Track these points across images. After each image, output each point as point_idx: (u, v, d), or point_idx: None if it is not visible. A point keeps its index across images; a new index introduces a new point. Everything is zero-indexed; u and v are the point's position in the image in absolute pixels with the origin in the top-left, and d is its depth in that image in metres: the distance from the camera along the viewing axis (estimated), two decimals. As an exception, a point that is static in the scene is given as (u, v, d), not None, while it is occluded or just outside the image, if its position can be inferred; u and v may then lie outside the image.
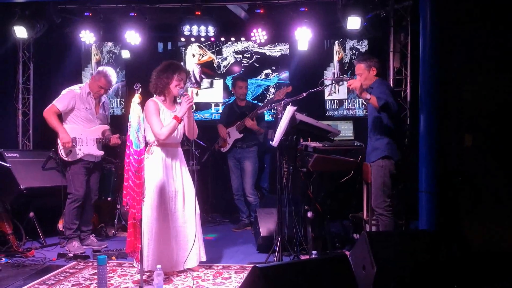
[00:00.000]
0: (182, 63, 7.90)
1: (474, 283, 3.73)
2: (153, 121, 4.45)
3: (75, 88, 5.51)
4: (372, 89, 4.69)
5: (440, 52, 5.07)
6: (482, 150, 5.12)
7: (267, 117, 7.57)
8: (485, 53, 5.11)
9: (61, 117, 5.43)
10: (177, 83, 4.54)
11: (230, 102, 7.04)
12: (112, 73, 5.56)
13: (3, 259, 4.99)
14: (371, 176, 4.72)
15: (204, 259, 4.68)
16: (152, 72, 4.66)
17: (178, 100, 4.68)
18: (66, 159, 5.42)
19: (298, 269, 3.35)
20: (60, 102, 5.39)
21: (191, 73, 7.87)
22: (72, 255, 5.08)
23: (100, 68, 5.59)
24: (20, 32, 6.33)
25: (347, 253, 4.56)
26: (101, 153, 5.56)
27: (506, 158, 4.96)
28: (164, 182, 4.46)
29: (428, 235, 4.13)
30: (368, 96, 4.45)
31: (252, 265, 3.26)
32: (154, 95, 4.65)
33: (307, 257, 4.80)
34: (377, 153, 4.68)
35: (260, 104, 7.07)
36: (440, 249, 3.81)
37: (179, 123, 4.48)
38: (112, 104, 7.96)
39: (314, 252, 4.70)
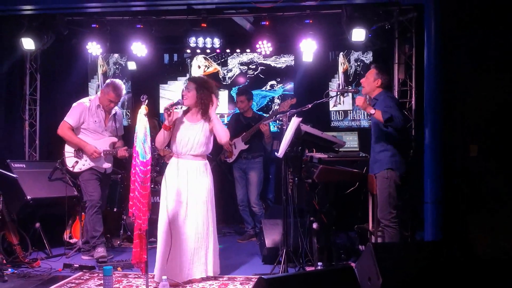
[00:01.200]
0: (187, 75, 7.96)
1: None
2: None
3: (85, 101, 5.55)
4: (376, 101, 4.68)
5: (445, 63, 5.09)
6: (487, 160, 5.12)
7: (272, 128, 7.58)
8: (490, 64, 5.12)
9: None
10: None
11: (236, 112, 7.06)
12: (120, 86, 5.59)
13: (9, 269, 4.99)
14: (376, 188, 4.72)
15: (210, 273, 4.67)
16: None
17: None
18: (71, 169, 5.47)
19: (304, 281, 3.35)
20: (71, 118, 5.44)
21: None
22: (78, 265, 5.09)
23: (108, 81, 5.61)
24: (28, 43, 6.38)
25: (353, 264, 4.55)
26: (108, 165, 5.59)
27: (511, 167, 4.95)
28: (174, 193, 4.51)
29: (434, 245, 4.12)
30: (372, 111, 4.45)
31: (258, 277, 3.27)
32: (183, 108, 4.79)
33: (313, 268, 4.80)
34: (381, 165, 4.66)
35: (265, 115, 7.09)
36: (446, 260, 3.80)
37: (166, 130, 4.56)
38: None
39: (319, 263, 4.69)
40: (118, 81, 5.63)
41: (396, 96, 6.25)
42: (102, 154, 5.47)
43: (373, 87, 4.75)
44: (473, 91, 5.18)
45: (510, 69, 5.01)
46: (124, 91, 5.68)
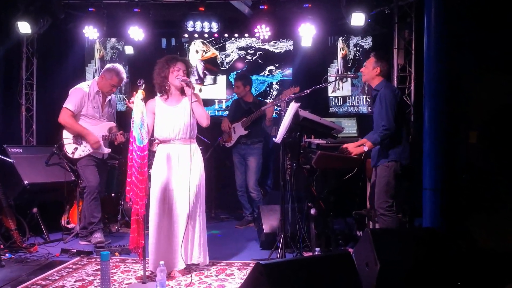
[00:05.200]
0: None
1: (478, 280, 3.72)
2: None
3: (83, 86, 5.50)
4: (377, 92, 4.71)
5: (445, 48, 5.04)
6: (487, 146, 5.10)
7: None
8: (490, 50, 5.08)
9: None
10: (175, 74, 4.47)
11: (237, 98, 7.02)
12: (123, 70, 5.59)
13: (7, 254, 5.00)
14: (375, 175, 4.72)
15: (195, 261, 4.52)
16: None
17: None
18: (71, 156, 5.45)
19: (301, 266, 3.34)
20: (71, 104, 5.39)
21: (194, 69, 7.85)
22: (75, 250, 5.09)
23: (110, 66, 5.58)
24: (24, 27, 6.32)
25: (351, 250, 4.55)
26: (108, 150, 5.59)
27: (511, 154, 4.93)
28: (163, 180, 4.42)
29: (432, 232, 4.11)
30: (366, 148, 4.62)
31: (255, 262, 3.27)
32: (158, 95, 4.62)
33: (310, 254, 4.80)
34: (383, 157, 4.66)
35: (266, 101, 7.06)
36: (443, 246, 3.80)
37: None
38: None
39: (317, 249, 4.70)
40: (119, 65, 5.61)
41: (395, 82, 6.22)
42: (101, 141, 5.46)
43: (373, 75, 4.78)
44: (474, 76, 5.15)
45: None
46: (125, 75, 5.66)
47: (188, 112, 4.47)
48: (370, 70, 4.79)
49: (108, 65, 5.63)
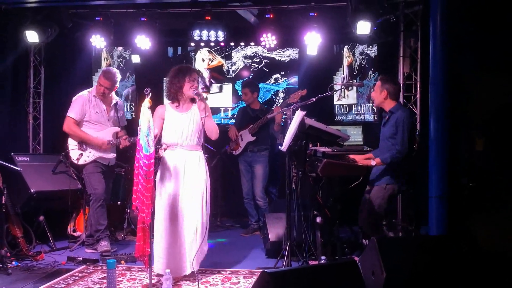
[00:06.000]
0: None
1: (485, 286, 3.70)
2: None
3: (84, 93, 5.58)
4: (392, 114, 4.78)
5: (450, 56, 5.04)
6: (493, 154, 5.09)
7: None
8: (495, 57, 5.08)
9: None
10: (190, 85, 4.54)
11: (243, 105, 7.05)
12: (111, 70, 5.61)
13: (13, 262, 5.01)
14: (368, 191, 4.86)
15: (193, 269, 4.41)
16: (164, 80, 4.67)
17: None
18: (76, 162, 5.48)
19: (307, 275, 3.33)
20: (73, 112, 5.46)
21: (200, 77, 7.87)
22: (81, 258, 5.10)
23: (101, 69, 5.66)
24: (32, 36, 6.38)
25: (356, 258, 4.54)
26: (113, 155, 5.60)
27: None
28: (167, 185, 4.45)
29: (438, 240, 4.10)
30: (373, 163, 4.67)
31: (261, 270, 3.26)
32: (168, 101, 4.66)
33: (316, 262, 4.79)
34: (381, 179, 4.76)
35: (272, 108, 7.07)
36: (450, 255, 3.78)
37: None
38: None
39: (323, 257, 4.68)
40: (110, 67, 5.65)
41: (401, 90, 6.21)
42: (86, 150, 5.48)
43: (381, 99, 4.88)
44: (480, 85, 5.14)
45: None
46: (117, 77, 5.58)
47: (196, 119, 4.55)
48: (378, 94, 4.89)
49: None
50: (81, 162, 5.50)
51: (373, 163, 4.65)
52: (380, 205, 4.67)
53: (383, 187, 4.68)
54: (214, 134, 4.63)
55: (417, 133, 6.18)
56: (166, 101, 4.78)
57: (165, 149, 4.57)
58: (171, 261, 4.38)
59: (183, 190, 4.46)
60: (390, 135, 4.69)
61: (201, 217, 4.46)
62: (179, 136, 4.51)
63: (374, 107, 5.15)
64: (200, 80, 4.64)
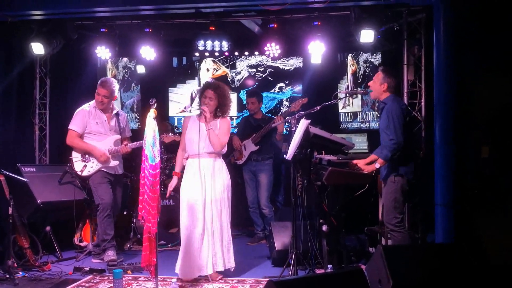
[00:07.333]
0: (196, 78, 7.99)
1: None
2: None
3: (85, 106, 5.66)
4: (385, 104, 4.70)
5: (454, 64, 5.05)
6: (499, 160, 5.07)
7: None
8: (500, 64, 5.08)
9: None
10: (203, 101, 4.87)
11: (245, 115, 7.07)
12: (108, 79, 5.70)
13: (20, 273, 5.02)
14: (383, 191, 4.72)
15: (221, 268, 4.78)
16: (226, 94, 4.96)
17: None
18: (80, 174, 5.52)
19: (314, 283, 3.33)
20: (75, 125, 5.55)
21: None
22: (88, 269, 5.11)
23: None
24: (37, 48, 6.42)
25: (363, 267, 4.53)
26: (116, 163, 5.63)
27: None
28: (188, 192, 4.69)
29: (445, 248, 4.09)
30: (377, 165, 4.61)
31: (267, 279, 3.26)
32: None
33: (323, 271, 4.78)
34: (389, 171, 4.66)
35: (274, 117, 7.07)
36: (456, 262, 3.77)
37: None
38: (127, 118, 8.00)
39: (329, 266, 4.67)
40: (107, 77, 5.73)
41: (406, 98, 6.22)
42: (108, 154, 5.52)
43: (380, 91, 4.78)
44: (484, 92, 5.13)
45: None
46: (114, 85, 5.65)
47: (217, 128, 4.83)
48: (378, 86, 4.78)
49: None
50: (85, 173, 5.54)
51: (377, 165, 4.60)
52: (396, 198, 4.59)
53: (392, 180, 4.61)
54: (216, 147, 4.79)
55: (422, 133, 6.15)
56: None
57: (187, 158, 4.89)
58: (188, 265, 4.62)
59: (201, 196, 4.72)
60: (385, 126, 4.63)
61: (220, 221, 4.81)
62: (196, 143, 4.74)
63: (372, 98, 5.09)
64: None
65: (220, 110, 4.90)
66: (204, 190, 4.70)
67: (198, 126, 4.73)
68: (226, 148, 4.98)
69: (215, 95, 4.82)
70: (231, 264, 4.83)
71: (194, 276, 4.66)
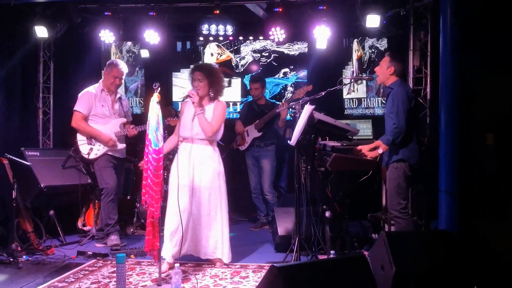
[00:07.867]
0: (200, 63, 7.94)
1: (495, 284, 3.67)
2: None
3: (90, 89, 5.65)
4: (391, 89, 4.68)
5: (461, 50, 4.99)
6: (504, 149, 5.03)
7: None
8: (507, 51, 5.02)
9: None
10: (192, 84, 4.78)
11: (249, 100, 7.03)
12: (121, 62, 5.73)
13: (24, 256, 5.05)
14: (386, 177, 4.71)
15: (225, 260, 4.80)
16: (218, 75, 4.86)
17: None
18: (86, 157, 5.52)
19: (316, 269, 3.33)
20: (81, 106, 5.53)
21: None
22: (91, 253, 5.12)
23: (109, 61, 5.80)
24: (41, 31, 6.40)
25: (366, 253, 4.53)
26: (123, 145, 5.66)
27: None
28: (177, 176, 4.53)
29: (448, 235, 4.07)
30: (380, 151, 4.59)
31: (270, 265, 3.26)
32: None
33: (325, 257, 4.78)
34: (391, 156, 4.64)
35: (278, 103, 7.05)
36: (459, 249, 3.76)
37: None
38: (131, 103, 8.00)
39: (332, 252, 4.67)
40: (118, 59, 5.74)
41: (411, 84, 6.17)
42: (114, 138, 5.53)
43: (387, 75, 4.76)
44: (491, 78, 5.08)
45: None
46: (125, 67, 5.76)
47: (209, 116, 4.71)
48: (384, 70, 4.76)
49: (108, 61, 5.83)
50: (92, 156, 5.53)
51: (380, 151, 4.59)
52: (399, 184, 4.58)
53: (394, 166, 4.61)
54: (207, 132, 4.68)
55: (427, 121, 6.12)
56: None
57: (181, 142, 4.78)
58: (175, 246, 4.59)
59: (191, 183, 4.67)
60: (390, 111, 4.62)
61: (209, 209, 4.75)
62: (190, 129, 4.73)
63: (378, 83, 5.08)
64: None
65: (213, 89, 4.78)
66: (192, 175, 4.65)
67: (194, 111, 4.70)
68: (220, 134, 4.84)
69: (203, 75, 4.72)
70: (224, 257, 4.79)
71: (177, 257, 4.61)
